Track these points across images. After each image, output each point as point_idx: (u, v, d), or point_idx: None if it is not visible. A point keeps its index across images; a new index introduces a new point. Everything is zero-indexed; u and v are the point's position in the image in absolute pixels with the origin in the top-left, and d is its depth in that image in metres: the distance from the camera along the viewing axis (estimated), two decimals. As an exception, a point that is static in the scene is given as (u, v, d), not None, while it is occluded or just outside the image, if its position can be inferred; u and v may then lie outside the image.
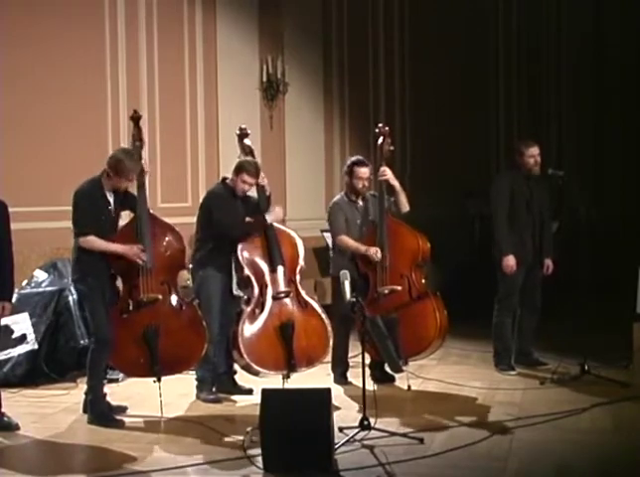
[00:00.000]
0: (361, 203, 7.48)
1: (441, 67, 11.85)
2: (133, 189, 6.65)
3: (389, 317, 6.87)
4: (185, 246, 6.83)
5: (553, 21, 13.49)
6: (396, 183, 7.36)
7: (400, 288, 7.25)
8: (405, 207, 7.39)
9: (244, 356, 6.81)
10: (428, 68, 11.75)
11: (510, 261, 7.66)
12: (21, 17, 9.07)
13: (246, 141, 7.30)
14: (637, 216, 11.79)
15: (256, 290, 6.92)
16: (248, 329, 6.84)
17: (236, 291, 7.17)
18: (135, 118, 6.84)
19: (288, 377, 6.82)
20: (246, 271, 6.94)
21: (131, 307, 6.50)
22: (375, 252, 7.20)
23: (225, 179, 7.18)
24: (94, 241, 6.36)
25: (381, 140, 7.43)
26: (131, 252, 6.42)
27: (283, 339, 6.84)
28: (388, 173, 7.33)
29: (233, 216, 6.96)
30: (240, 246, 6.96)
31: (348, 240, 7.35)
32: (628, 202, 12.78)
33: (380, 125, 7.56)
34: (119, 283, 6.65)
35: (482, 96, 12.67)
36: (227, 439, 6.00)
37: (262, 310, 6.89)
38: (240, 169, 7.00)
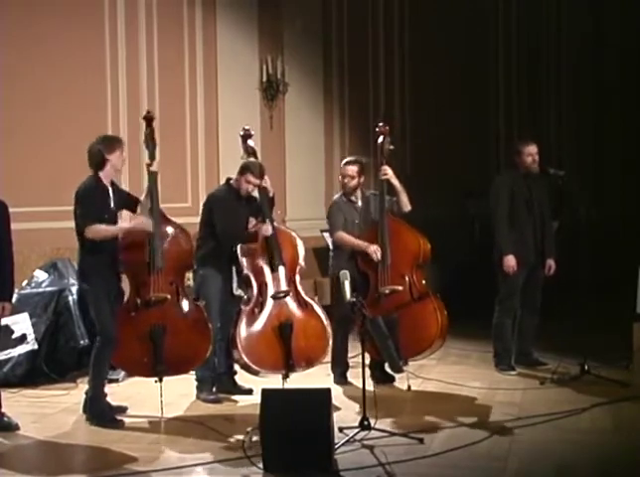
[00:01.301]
0: (360, 203, 7.48)
1: (441, 67, 11.86)
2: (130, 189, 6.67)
3: (389, 317, 6.87)
4: (193, 247, 6.85)
5: (553, 21, 13.50)
6: (396, 182, 7.36)
7: (400, 288, 7.24)
8: (407, 206, 7.39)
9: (243, 355, 6.81)
10: (428, 68, 11.76)
11: (511, 261, 7.65)
12: (21, 17, 9.07)
13: (250, 142, 7.31)
14: (637, 216, 11.80)
15: (256, 290, 6.92)
16: (247, 329, 6.85)
17: (236, 291, 7.18)
18: (148, 118, 6.82)
19: (287, 377, 6.82)
20: (246, 271, 6.95)
21: (139, 306, 6.51)
22: (375, 250, 7.20)
23: (229, 179, 7.18)
24: (101, 228, 6.34)
25: (381, 139, 7.43)
26: (137, 223, 6.43)
27: (282, 339, 6.84)
28: (389, 172, 7.34)
29: (232, 222, 6.96)
30: (239, 246, 6.97)
31: (346, 236, 7.35)
32: (628, 202, 12.79)
33: (380, 124, 7.57)
34: (124, 284, 6.65)
35: (482, 96, 12.67)
36: (227, 439, 6.00)
37: (262, 310, 6.90)
38: (244, 169, 7.03)
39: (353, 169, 7.41)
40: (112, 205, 6.49)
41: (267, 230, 6.97)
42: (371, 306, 6.75)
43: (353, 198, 7.47)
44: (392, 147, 7.46)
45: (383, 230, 7.27)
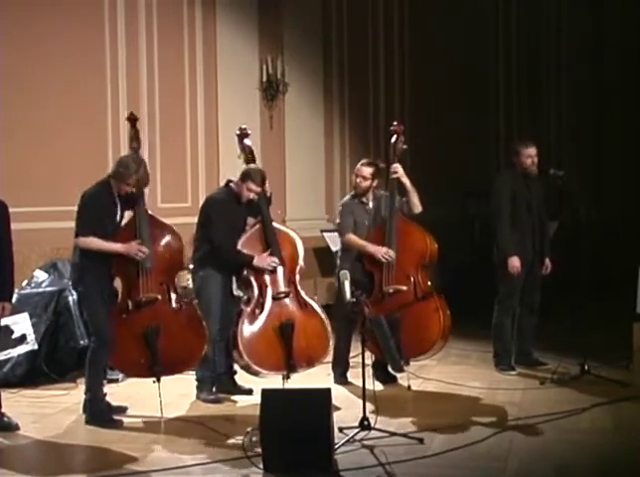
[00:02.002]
0: (371, 204, 7.44)
1: (441, 67, 11.86)
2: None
3: (392, 316, 6.87)
4: (183, 247, 6.82)
5: (553, 21, 13.51)
6: (407, 181, 7.31)
7: (405, 288, 7.22)
8: (418, 207, 7.33)
9: (244, 356, 6.80)
10: (428, 68, 11.76)
11: (515, 262, 7.63)
12: (21, 17, 9.07)
13: (247, 141, 7.29)
14: (637, 216, 11.81)
15: (256, 291, 6.91)
16: (248, 329, 6.83)
17: (236, 292, 7.17)
18: (132, 120, 6.83)
19: (288, 377, 6.81)
20: (246, 272, 6.94)
21: (131, 307, 6.50)
22: (385, 253, 7.17)
23: (229, 182, 7.16)
24: (94, 242, 6.36)
25: (394, 138, 7.41)
26: (131, 250, 6.42)
27: (283, 339, 6.82)
28: (399, 170, 7.30)
29: (230, 229, 6.94)
30: (239, 247, 6.97)
31: (355, 239, 7.32)
32: (628, 202, 12.80)
33: (394, 123, 7.55)
34: (117, 284, 6.65)
35: (482, 96, 12.68)
36: (227, 439, 5.99)
37: (262, 310, 6.88)
38: (246, 177, 6.99)
39: (368, 171, 7.36)
40: (118, 215, 6.48)
41: (264, 263, 6.93)
42: (374, 305, 6.76)
43: (364, 199, 7.44)
44: (405, 147, 7.43)
45: (390, 229, 7.24)
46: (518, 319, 7.92)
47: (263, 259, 6.90)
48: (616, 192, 13.16)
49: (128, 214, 6.76)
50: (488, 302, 7.94)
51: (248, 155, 7.22)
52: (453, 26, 11.98)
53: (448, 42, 11.92)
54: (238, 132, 7.33)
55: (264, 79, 10.39)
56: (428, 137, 11.61)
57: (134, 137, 6.75)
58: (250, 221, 7.12)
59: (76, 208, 6.50)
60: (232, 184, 7.11)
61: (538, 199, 7.83)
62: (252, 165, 7.15)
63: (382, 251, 7.20)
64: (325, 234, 9.29)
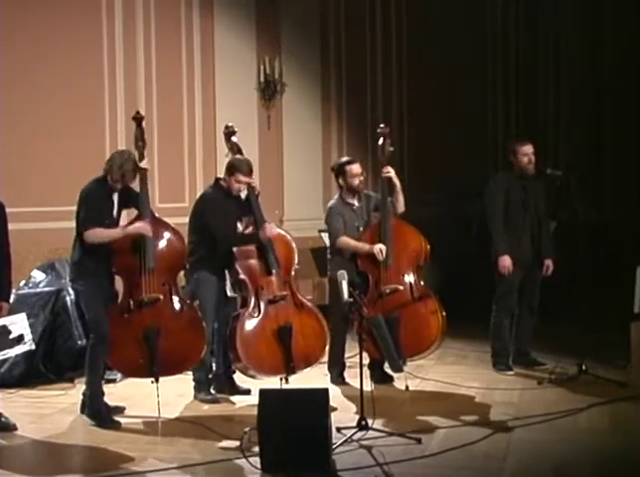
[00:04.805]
0: (357, 204, 7.45)
1: (440, 66, 11.84)
2: (135, 186, 6.64)
3: (390, 316, 6.88)
4: (186, 247, 6.82)
5: (551, 21, 13.49)
6: (397, 182, 7.35)
7: (402, 288, 7.24)
8: (402, 207, 7.38)
9: (244, 360, 6.77)
10: (427, 68, 11.74)
11: (506, 262, 7.64)
12: (21, 17, 9.07)
13: (234, 139, 7.25)
14: (637, 216, 11.78)
15: (252, 294, 6.88)
16: (246, 333, 6.80)
17: (230, 293, 7.15)
18: (138, 119, 6.81)
19: (287, 380, 6.79)
20: (242, 275, 6.90)
21: (132, 307, 6.49)
22: (379, 251, 7.18)
23: (218, 179, 7.16)
24: (100, 232, 6.33)
25: (381, 141, 7.44)
26: (141, 228, 6.39)
27: (282, 342, 6.81)
28: (391, 170, 7.33)
29: (225, 224, 6.92)
30: (235, 250, 6.94)
31: (349, 241, 7.33)
32: (628, 202, 12.78)
33: (381, 126, 7.57)
34: (119, 285, 6.64)
35: (481, 96, 12.66)
36: (225, 440, 5.99)
37: (260, 314, 6.85)
38: (232, 168, 6.98)
39: (359, 167, 7.41)
40: (115, 211, 6.47)
41: (272, 229, 6.93)
42: (371, 305, 6.75)
43: (350, 200, 7.42)
44: (392, 149, 7.47)
45: (385, 229, 7.25)
46: (517, 319, 7.92)
47: (268, 229, 6.88)
48: (616, 192, 13.13)
49: (126, 214, 6.77)
50: (486, 302, 7.93)
51: (237, 153, 7.19)
52: (452, 26, 11.96)
53: (447, 42, 11.90)
54: (224, 131, 7.30)
55: (262, 79, 10.39)
56: (427, 137, 11.60)
57: (139, 137, 6.73)
58: (243, 220, 7.10)
59: (73, 208, 6.50)
60: (220, 181, 7.09)
61: (535, 199, 7.81)
62: (237, 156, 7.13)
63: (377, 248, 7.20)
64: (323, 233, 9.26)
